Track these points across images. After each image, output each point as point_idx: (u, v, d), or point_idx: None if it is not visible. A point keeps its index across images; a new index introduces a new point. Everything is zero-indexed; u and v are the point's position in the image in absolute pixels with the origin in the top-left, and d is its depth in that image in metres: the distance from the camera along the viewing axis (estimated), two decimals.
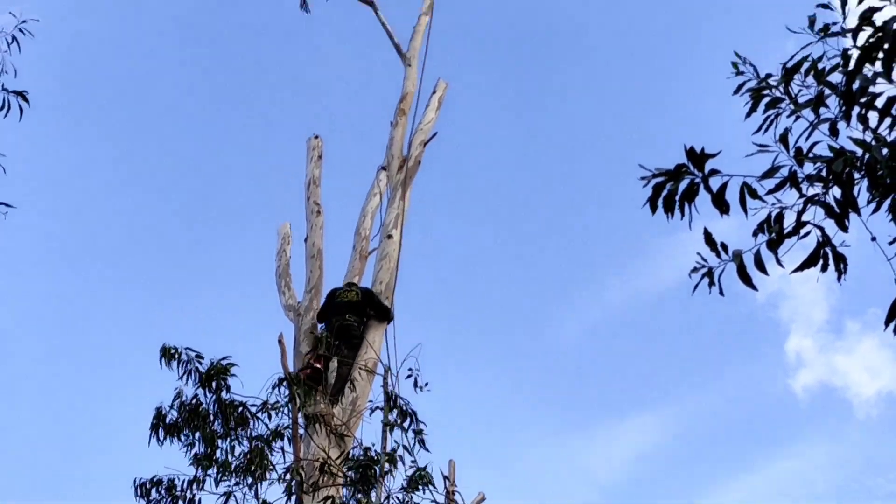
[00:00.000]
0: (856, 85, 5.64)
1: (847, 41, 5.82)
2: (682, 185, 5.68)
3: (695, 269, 5.71)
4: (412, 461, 10.90)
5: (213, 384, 10.55)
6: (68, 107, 30.53)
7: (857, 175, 5.53)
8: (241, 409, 10.65)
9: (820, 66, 5.84)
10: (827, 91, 5.81)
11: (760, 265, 5.59)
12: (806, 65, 5.88)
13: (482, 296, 29.41)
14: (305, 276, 13.87)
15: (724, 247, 5.64)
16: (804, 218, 5.70)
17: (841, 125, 5.75)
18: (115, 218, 30.73)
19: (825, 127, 5.76)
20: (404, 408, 11.40)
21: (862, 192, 5.57)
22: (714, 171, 5.65)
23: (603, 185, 31.32)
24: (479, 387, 24.64)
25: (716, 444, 28.99)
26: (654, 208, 5.73)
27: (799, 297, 31.13)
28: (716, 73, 6.26)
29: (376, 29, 18.76)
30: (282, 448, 10.85)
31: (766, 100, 5.97)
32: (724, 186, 5.65)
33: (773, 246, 5.65)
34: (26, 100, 10.53)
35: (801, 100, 5.90)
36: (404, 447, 11.01)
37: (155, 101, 32.25)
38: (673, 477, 28.39)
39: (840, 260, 5.79)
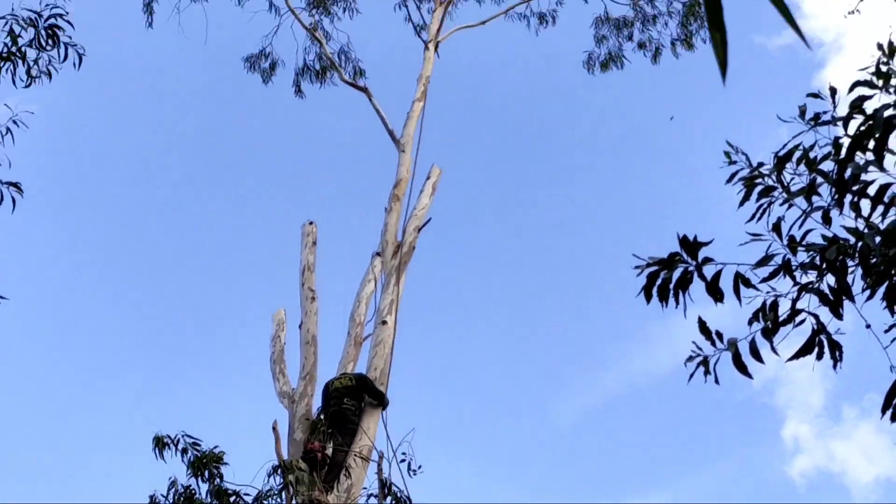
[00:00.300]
0: (847, 173, 5.67)
1: (838, 129, 5.86)
2: (676, 273, 5.69)
3: (690, 358, 5.70)
4: None
5: (207, 472, 10.47)
6: (63, 195, 30.66)
7: (850, 263, 5.54)
8: (234, 498, 10.56)
9: (812, 154, 5.87)
10: (819, 179, 5.84)
11: (756, 354, 5.59)
12: (798, 153, 5.92)
13: (478, 380, 29.32)
14: (300, 363, 13.81)
15: (720, 335, 5.64)
16: (799, 306, 5.71)
17: (834, 213, 5.77)
18: (111, 306, 30.72)
19: (818, 215, 5.79)
20: (399, 495, 11.33)
21: (856, 279, 5.58)
22: (707, 260, 5.67)
23: (598, 270, 31.38)
24: (475, 471, 24.45)
25: None
26: (648, 297, 5.74)
27: (795, 383, 31.05)
28: (709, 161, 6.30)
29: (370, 115, 18.93)
30: None
31: (759, 188, 6.00)
32: (717, 275, 5.66)
33: (769, 334, 5.65)
34: (20, 191, 10.55)
35: (793, 188, 5.93)
36: None
37: (150, 188, 32.39)
38: None
39: (835, 347, 5.78)
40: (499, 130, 33.04)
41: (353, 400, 12.47)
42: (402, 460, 11.70)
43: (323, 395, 12.86)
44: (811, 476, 30.60)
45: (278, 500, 10.83)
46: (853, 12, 15.25)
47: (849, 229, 5.59)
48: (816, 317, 5.73)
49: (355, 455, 11.96)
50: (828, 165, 5.86)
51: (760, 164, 6.07)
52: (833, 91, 5.98)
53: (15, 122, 10.80)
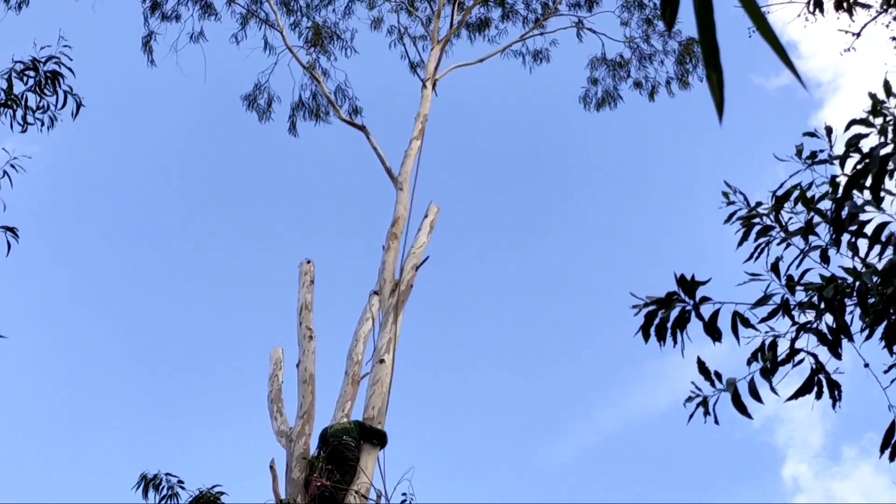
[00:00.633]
0: (844, 212, 5.68)
1: (835, 168, 5.88)
2: (674, 313, 5.69)
3: (689, 399, 5.69)
4: None
5: None
6: (60, 235, 30.66)
7: (848, 302, 5.54)
8: None
9: (809, 193, 5.89)
10: (817, 218, 5.85)
11: (755, 393, 5.58)
12: (795, 193, 5.93)
13: (476, 418, 29.22)
14: (298, 402, 13.77)
15: (718, 375, 5.64)
16: (797, 345, 5.70)
17: (832, 252, 5.78)
18: (108, 345, 30.67)
19: (816, 254, 5.80)
20: None
21: (854, 319, 5.58)
22: (705, 299, 5.68)
23: (596, 309, 31.36)
24: None
25: None
26: (646, 337, 5.74)
27: (795, 422, 30.96)
28: (708, 200, 6.31)
29: (368, 153, 18.96)
30: None
31: (757, 228, 6.00)
32: (715, 314, 5.66)
33: (767, 374, 5.64)
34: (16, 235, 10.55)
35: (791, 227, 5.94)
36: None
37: (146, 229, 32.43)
38: None
39: (834, 387, 5.78)
40: (496, 168, 33.14)
41: (350, 438, 12.41)
42: (403, 501, 11.67)
43: (320, 439, 12.79)
44: None
45: None
46: (849, 50, 15.34)
47: (846, 269, 5.59)
48: (815, 356, 5.73)
49: (354, 492, 11.91)
50: (825, 204, 5.87)
51: (759, 204, 6.09)
52: (829, 130, 6.00)
53: (13, 166, 10.81)
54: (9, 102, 10.56)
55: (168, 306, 31.50)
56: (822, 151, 6.01)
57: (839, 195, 5.75)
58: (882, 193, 5.64)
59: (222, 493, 10.69)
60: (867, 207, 5.67)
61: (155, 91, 31.16)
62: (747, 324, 5.66)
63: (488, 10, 24.39)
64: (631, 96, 24.31)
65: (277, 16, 22.91)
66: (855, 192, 5.72)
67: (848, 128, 5.82)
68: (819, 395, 5.78)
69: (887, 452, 5.67)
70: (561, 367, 31.13)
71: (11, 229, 10.55)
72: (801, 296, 5.69)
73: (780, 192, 6.01)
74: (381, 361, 13.76)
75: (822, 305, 5.58)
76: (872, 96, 5.77)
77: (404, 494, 11.67)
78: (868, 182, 5.65)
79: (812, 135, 6.09)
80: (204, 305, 31.45)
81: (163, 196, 32.52)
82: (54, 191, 29.19)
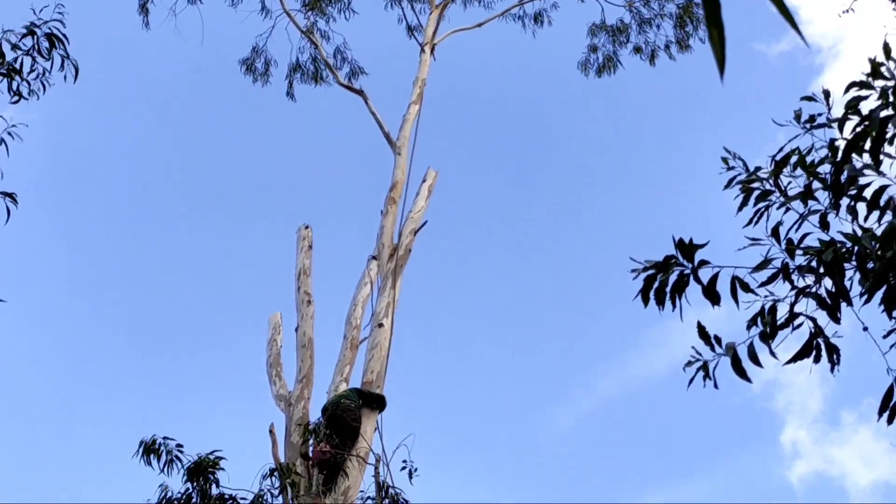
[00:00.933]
0: (843, 176, 5.67)
1: (834, 132, 5.86)
2: (672, 276, 5.69)
3: (689, 363, 5.68)
4: None
5: (202, 478, 10.46)
6: (58, 199, 30.62)
7: (848, 266, 5.53)
8: (231, 502, 10.54)
9: (808, 158, 5.87)
10: (816, 182, 5.83)
11: (754, 358, 5.57)
12: (794, 158, 5.91)
13: (475, 382, 29.28)
14: (296, 366, 13.78)
15: (718, 340, 5.63)
16: (796, 310, 5.70)
17: (831, 217, 5.77)
18: (106, 310, 30.66)
19: (816, 219, 5.78)
20: (396, 497, 11.32)
21: (854, 284, 5.57)
22: (703, 262, 5.67)
23: (595, 274, 31.36)
24: (472, 476, 24.41)
25: None
26: (645, 301, 5.74)
27: (794, 387, 31.03)
28: (708, 167, 6.29)
29: (366, 118, 18.92)
30: None
31: (757, 193, 5.99)
32: (714, 278, 5.66)
33: (767, 338, 5.63)
34: (15, 201, 10.53)
35: (790, 192, 5.93)
36: None
37: (145, 192, 32.37)
38: None
39: (833, 351, 5.78)
40: (495, 133, 33.08)
41: (350, 401, 12.40)
42: (403, 468, 11.71)
43: (321, 412, 12.75)
44: (810, 480, 30.61)
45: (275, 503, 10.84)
46: (847, 11, 15.27)
47: (846, 235, 5.58)
48: (814, 320, 5.72)
49: (353, 457, 11.94)
50: (825, 168, 5.85)
51: (758, 169, 6.07)
52: (827, 94, 5.98)
53: (10, 133, 10.77)
54: (5, 71, 10.52)
55: (166, 272, 31.52)
56: (820, 115, 5.99)
57: (838, 159, 5.74)
58: (881, 157, 5.62)
59: (221, 458, 10.72)
60: (866, 171, 5.65)
61: (152, 55, 31.10)
62: (746, 288, 5.66)
63: None
64: (631, 62, 24.28)
65: None
66: (854, 155, 5.70)
67: (847, 90, 5.80)
68: (818, 359, 5.78)
69: (885, 415, 5.66)
70: (560, 333, 31.19)
71: (10, 195, 10.53)
72: (800, 260, 5.68)
73: (778, 157, 5.99)
74: (380, 326, 13.78)
75: (822, 269, 5.57)
76: (872, 60, 5.75)
77: (404, 461, 11.71)
78: (867, 145, 5.64)
79: (811, 99, 6.07)
80: (202, 271, 31.47)
81: (160, 161, 32.48)
82: (53, 158, 29.12)
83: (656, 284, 5.70)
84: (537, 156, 32.61)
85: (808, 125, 5.98)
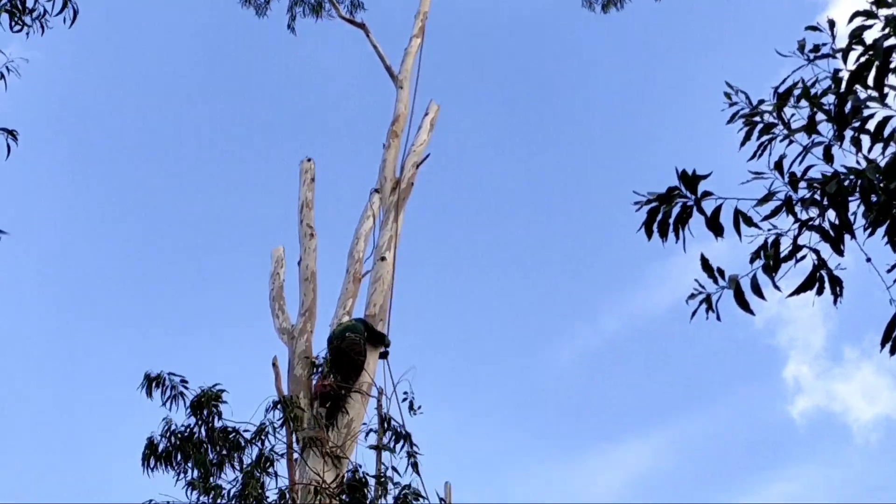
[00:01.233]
0: (847, 107, 5.63)
1: (838, 63, 5.80)
2: (676, 208, 5.67)
3: (692, 296, 5.67)
4: (405, 483, 10.88)
5: (205, 411, 10.52)
6: (60, 134, 30.54)
7: (851, 199, 5.51)
8: (233, 435, 10.61)
9: (812, 90, 5.82)
10: (820, 115, 5.79)
11: (758, 290, 5.55)
12: (798, 90, 5.86)
13: (476, 316, 29.35)
14: (299, 299, 13.82)
15: (721, 272, 5.61)
16: (800, 242, 5.68)
17: (835, 149, 5.73)
18: (109, 243, 30.70)
19: (819, 151, 5.75)
20: (398, 430, 11.40)
21: (857, 217, 5.55)
22: (707, 194, 5.65)
23: (598, 209, 31.29)
24: (473, 411, 24.54)
25: (712, 469, 28.84)
26: (649, 233, 5.73)
27: (797, 322, 31.08)
28: (712, 103, 6.24)
29: (368, 51, 18.81)
30: (275, 472, 10.81)
31: (760, 126, 5.95)
32: (717, 210, 5.64)
33: (770, 270, 5.62)
34: (15, 138, 10.48)
35: (794, 124, 5.89)
36: (392, 468, 10.99)
37: (146, 127, 32.26)
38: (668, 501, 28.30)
39: (836, 283, 5.77)
40: (497, 67, 32.90)
41: (354, 334, 12.39)
42: (405, 399, 11.77)
43: (328, 342, 12.74)
44: (812, 416, 30.78)
45: (276, 436, 10.91)
46: None
47: (849, 169, 5.54)
48: (817, 252, 5.70)
49: (354, 391, 11.98)
50: (828, 100, 5.81)
51: (761, 102, 6.03)
52: (832, 23, 5.92)
53: (8, 68, 10.70)
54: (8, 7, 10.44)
55: (168, 205, 31.53)
56: (824, 45, 5.93)
57: (842, 90, 5.69)
58: (886, 89, 5.58)
59: (223, 391, 10.78)
60: (870, 103, 5.61)
61: None
62: (749, 222, 5.64)
63: None
64: None
65: None
66: (858, 86, 5.65)
67: (851, 20, 5.74)
68: (820, 291, 5.77)
69: (888, 347, 5.66)
70: (563, 268, 31.20)
71: (11, 132, 10.48)
72: (803, 193, 5.65)
73: (781, 89, 5.95)
74: (382, 259, 13.79)
75: (825, 202, 5.54)
76: None
77: (406, 393, 11.77)
78: (871, 76, 5.59)
79: (815, 28, 6.00)
80: (204, 204, 31.47)
81: (163, 96, 32.35)
82: (57, 94, 29.00)
83: (659, 216, 5.68)
84: (540, 89, 32.46)
85: (811, 55, 5.93)
